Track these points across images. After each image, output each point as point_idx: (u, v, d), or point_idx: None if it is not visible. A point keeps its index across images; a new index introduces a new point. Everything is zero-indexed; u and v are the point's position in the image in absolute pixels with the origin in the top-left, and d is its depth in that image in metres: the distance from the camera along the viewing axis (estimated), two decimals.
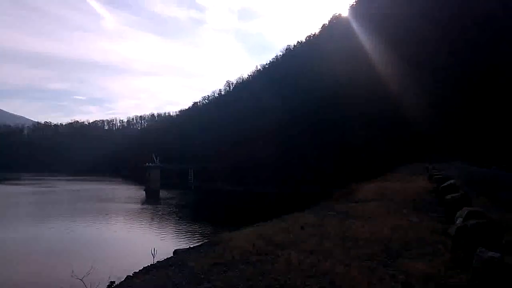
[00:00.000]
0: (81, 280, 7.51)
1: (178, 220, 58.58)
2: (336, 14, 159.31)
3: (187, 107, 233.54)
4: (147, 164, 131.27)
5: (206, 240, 10.79)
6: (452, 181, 13.75)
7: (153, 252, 9.92)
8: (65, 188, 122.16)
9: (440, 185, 14.44)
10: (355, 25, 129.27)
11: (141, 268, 7.09)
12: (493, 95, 77.39)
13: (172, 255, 8.76)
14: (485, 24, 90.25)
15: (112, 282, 6.11)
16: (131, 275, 6.80)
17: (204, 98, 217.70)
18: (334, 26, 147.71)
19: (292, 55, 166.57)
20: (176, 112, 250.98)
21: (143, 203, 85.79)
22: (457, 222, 7.63)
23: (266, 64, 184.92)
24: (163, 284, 5.52)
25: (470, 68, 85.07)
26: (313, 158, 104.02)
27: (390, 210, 11.44)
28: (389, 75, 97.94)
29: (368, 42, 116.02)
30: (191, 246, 8.90)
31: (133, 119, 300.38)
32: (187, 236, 41.42)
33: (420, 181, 23.42)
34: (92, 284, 7.71)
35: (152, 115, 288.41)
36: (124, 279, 6.60)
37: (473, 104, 79.50)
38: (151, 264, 7.20)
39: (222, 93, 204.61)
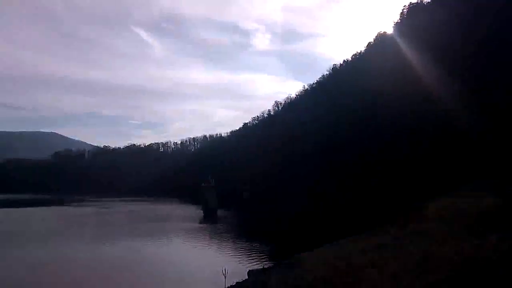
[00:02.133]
0: None
1: (238, 237, 59.09)
2: (381, 32, 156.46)
3: (237, 128, 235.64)
4: (203, 184, 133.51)
5: (279, 260, 10.87)
6: None
7: (224, 271, 10.14)
8: (126, 208, 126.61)
9: None
10: (400, 42, 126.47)
11: None
12: None
13: (245, 275, 8.92)
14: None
15: None
16: None
17: (254, 119, 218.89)
18: (380, 44, 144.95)
19: (338, 73, 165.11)
20: (227, 133, 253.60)
21: (201, 222, 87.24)
22: None
23: (313, 83, 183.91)
24: None
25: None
26: (364, 177, 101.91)
27: (463, 228, 11.14)
28: (437, 89, 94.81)
29: (414, 58, 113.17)
30: (265, 266, 9.03)
31: (186, 141, 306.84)
32: (252, 253, 41.54)
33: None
34: None
35: (204, 136, 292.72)
36: None
37: None
38: (231, 286, 7.39)
39: (272, 113, 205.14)
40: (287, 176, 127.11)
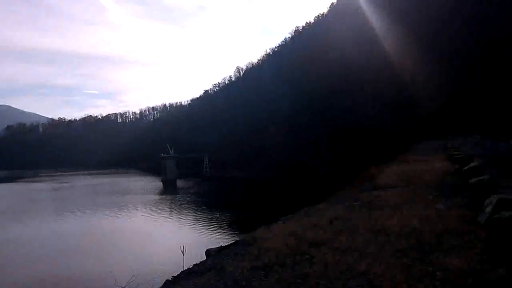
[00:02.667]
0: None
1: (198, 209, 59.33)
2: None
3: (198, 96, 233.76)
4: (162, 155, 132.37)
5: (236, 239, 10.88)
6: (475, 163, 13.67)
7: (182, 249, 10.08)
8: (82, 183, 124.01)
9: (462, 166, 14.40)
10: (364, 3, 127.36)
11: (179, 273, 7.23)
12: (507, 67, 76.05)
13: (204, 254, 8.89)
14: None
15: None
16: (170, 279, 6.94)
17: (214, 86, 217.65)
18: (343, 5, 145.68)
19: (300, 36, 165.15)
20: (187, 101, 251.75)
21: (161, 194, 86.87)
22: (486, 210, 7.66)
23: (275, 47, 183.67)
24: None
25: (482, 41, 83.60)
26: (326, 141, 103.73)
27: (414, 197, 11.45)
28: (400, 53, 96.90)
29: (378, 20, 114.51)
30: (222, 245, 9.01)
31: (145, 110, 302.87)
32: (211, 227, 41.81)
33: (440, 162, 23.22)
34: (130, 286, 7.90)
35: (164, 105, 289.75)
36: (163, 285, 6.75)
37: (486, 77, 78.36)
38: (188, 268, 7.33)
39: (233, 79, 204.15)
40: (250, 144, 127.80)
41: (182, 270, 7.39)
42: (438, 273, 5.50)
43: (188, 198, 76.05)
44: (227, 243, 9.90)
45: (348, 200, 12.23)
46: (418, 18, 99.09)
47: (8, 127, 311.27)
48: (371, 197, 12.08)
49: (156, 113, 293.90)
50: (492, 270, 5.33)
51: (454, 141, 58.63)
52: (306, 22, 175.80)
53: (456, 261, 5.75)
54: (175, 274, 7.22)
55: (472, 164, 13.23)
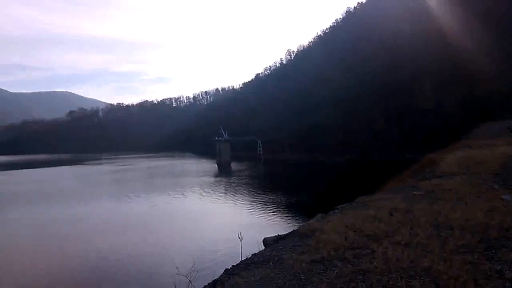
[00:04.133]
0: (185, 276, 7.95)
1: (252, 192, 59.71)
2: None
3: (250, 80, 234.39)
4: (216, 138, 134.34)
5: (292, 226, 10.87)
6: None
7: (240, 236, 10.21)
8: (140, 165, 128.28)
9: None
10: None
11: (238, 262, 7.32)
12: None
13: (260, 242, 8.96)
14: None
15: (216, 281, 6.36)
16: (230, 268, 7.05)
17: (266, 69, 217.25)
18: None
19: (352, 17, 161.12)
20: (239, 85, 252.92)
21: (216, 176, 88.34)
22: None
23: (327, 29, 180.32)
24: (267, 286, 5.69)
25: None
26: (380, 124, 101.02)
27: (479, 186, 10.97)
28: (457, 30, 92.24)
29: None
30: (279, 234, 9.05)
31: (198, 95, 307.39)
32: (266, 211, 42.04)
33: (504, 146, 22.08)
34: (191, 274, 8.12)
35: (217, 89, 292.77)
36: (223, 274, 6.87)
37: None
38: (247, 258, 7.42)
39: (284, 62, 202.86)
40: (302, 127, 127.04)
41: (241, 259, 7.48)
42: (507, 272, 5.28)
43: (242, 181, 76.83)
44: (283, 231, 9.92)
45: (408, 189, 11.90)
46: None
47: (71, 112, 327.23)
48: (432, 186, 11.69)
49: (209, 97, 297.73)
50: None
51: None
52: (358, 2, 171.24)
53: None
54: (234, 264, 7.31)
55: None
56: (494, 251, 6.03)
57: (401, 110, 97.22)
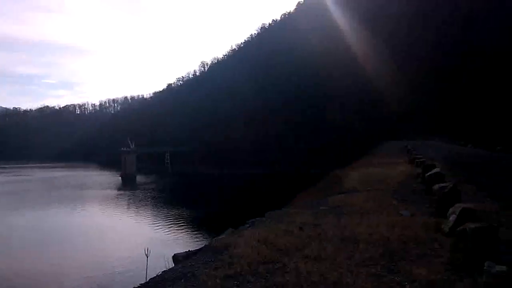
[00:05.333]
0: None
1: (158, 207, 58.34)
2: None
3: (161, 89, 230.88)
4: (122, 149, 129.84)
5: (202, 241, 10.77)
6: (437, 169, 14.08)
7: (146, 252, 9.91)
8: (38, 176, 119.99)
9: (425, 171, 14.80)
10: (331, 3, 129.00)
11: (147, 280, 7.09)
12: (468, 74, 79.20)
13: (169, 258, 8.77)
14: (459, 2, 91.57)
15: None
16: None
17: (178, 80, 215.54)
18: (310, 4, 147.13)
19: (267, 33, 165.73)
20: (150, 94, 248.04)
21: (119, 189, 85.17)
22: (450, 219, 7.92)
23: (241, 43, 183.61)
24: None
25: (445, 47, 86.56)
26: (289, 139, 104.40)
27: (381, 202, 11.71)
28: (366, 53, 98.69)
29: (344, 20, 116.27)
30: (190, 250, 8.92)
31: (105, 102, 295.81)
32: (173, 226, 41.14)
33: (403, 165, 23.85)
34: None
35: (125, 98, 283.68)
36: None
37: (449, 82, 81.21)
38: (158, 275, 7.21)
39: (197, 74, 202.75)
40: (214, 140, 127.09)
41: (149, 277, 7.25)
42: (406, 283, 5.63)
43: (148, 194, 74.86)
44: (194, 247, 9.81)
45: (316, 204, 12.38)
46: (384, 21, 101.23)
47: None
48: (338, 201, 12.27)
49: (117, 105, 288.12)
50: (459, 281, 5.51)
51: (415, 142, 60.53)
52: (273, 20, 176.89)
53: (423, 270, 5.90)
54: (142, 282, 7.07)
55: (434, 170, 13.64)
56: (394, 263, 6.43)
57: (310, 126, 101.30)
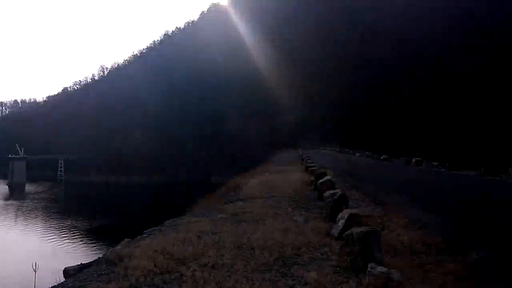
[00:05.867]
0: None
1: (49, 218, 54.84)
2: (215, 2, 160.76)
3: (56, 93, 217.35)
4: (9, 155, 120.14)
5: (96, 253, 10.30)
6: (328, 177, 14.85)
7: (34, 267, 9.32)
8: None
9: (317, 179, 15.56)
10: (233, 15, 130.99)
11: None
12: (359, 87, 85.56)
13: (60, 273, 8.32)
14: (354, 20, 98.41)
15: None
16: None
17: (75, 83, 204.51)
18: (213, 15, 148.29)
19: (170, 41, 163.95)
20: (43, 98, 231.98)
21: (7, 199, 78.77)
22: (339, 224, 8.45)
23: (144, 49, 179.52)
24: None
25: (341, 62, 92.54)
26: (190, 148, 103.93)
27: (276, 209, 12.14)
28: (266, 65, 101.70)
29: (247, 31, 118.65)
30: (82, 263, 8.51)
31: None
32: (65, 238, 38.87)
33: (298, 173, 24.88)
34: None
35: (15, 101, 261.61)
36: None
37: (343, 95, 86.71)
38: None
39: (96, 78, 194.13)
40: (112, 148, 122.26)
41: None
42: (298, 287, 5.92)
43: (38, 204, 69.86)
44: (87, 259, 9.39)
45: (214, 212, 12.47)
46: (286, 33, 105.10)
47: None
48: (236, 208, 12.48)
49: (5, 108, 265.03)
50: (346, 282, 5.91)
51: (310, 151, 63.47)
52: (176, 27, 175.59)
53: (314, 274, 6.22)
54: None
55: (325, 178, 14.43)
56: (288, 268, 6.72)
57: (211, 135, 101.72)
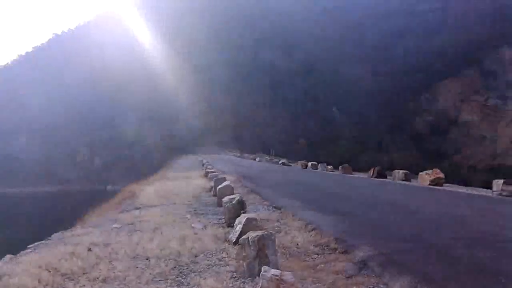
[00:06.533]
0: None
1: None
2: (111, 4, 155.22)
3: None
4: None
5: None
6: (227, 182, 14.91)
7: None
8: None
9: (216, 184, 15.56)
10: (130, 16, 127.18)
11: None
12: (257, 94, 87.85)
13: None
14: (250, 24, 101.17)
15: None
16: None
17: None
18: (108, 15, 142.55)
19: (60, 42, 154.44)
20: None
21: None
22: (236, 228, 8.48)
23: (32, 50, 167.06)
24: None
25: (238, 68, 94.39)
26: (83, 155, 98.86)
27: (174, 216, 11.89)
28: (165, 70, 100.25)
29: (144, 36, 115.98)
30: None
31: None
32: None
33: (198, 179, 24.73)
34: None
35: None
36: None
37: (244, 99, 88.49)
38: None
39: None
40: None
41: None
42: None
43: None
44: None
45: (108, 222, 11.89)
46: (185, 38, 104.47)
47: None
48: (132, 218, 12.03)
49: None
50: (241, 287, 5.92)
51: (211, 156, 63.57)
52: (69, 29, 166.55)
53: (211, 280, 6.17)
54: None
55: (225, 183, 14.47)
56: (184, 276, 6.59)
57: (106, 141, 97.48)
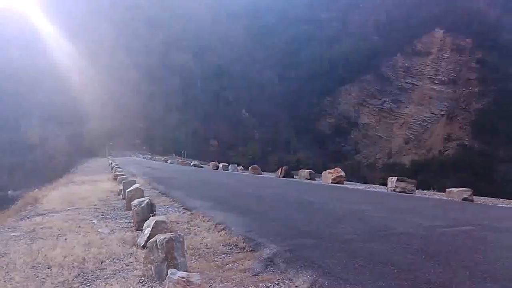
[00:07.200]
0: None
1: None
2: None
3: None
4: None
5: None
6: (137, 185, 14.63)
7: None
8: None
9: (125, 187, 15.19)
10: (34, 13, 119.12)
11: None
12: (164, 96, 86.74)
13: None
14: (158, 26, 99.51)
15: None
16: None
17: None
18: (9, 11, 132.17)
19: None
20: None
21: None
22: (145, 232, 8.38)
23: None
24: None
25: (146, 70, 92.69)
26: None
27: (79, 222, 11.42)
28: (72, 71, 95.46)
29: (49, 35, 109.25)
30: None
31: None
32: None
33: (106, 182, 23.92)
34: None
35: None
36: None
37: (150, 104, 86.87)
38: None
39: None
40: None
41: None
42: None
43: None
44: None
45: (5, 230, 11.13)
46: (91, 40, 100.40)
47: None
48: (33, 225, 11.36)
49: None
50: None
51: (121, 158, 61.67)
52: None
53: (117, 287, 6.07)
54: None
55: (134, 186, 14.16)
56: (89, 284, 6.39)
57: (8, 145, 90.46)
